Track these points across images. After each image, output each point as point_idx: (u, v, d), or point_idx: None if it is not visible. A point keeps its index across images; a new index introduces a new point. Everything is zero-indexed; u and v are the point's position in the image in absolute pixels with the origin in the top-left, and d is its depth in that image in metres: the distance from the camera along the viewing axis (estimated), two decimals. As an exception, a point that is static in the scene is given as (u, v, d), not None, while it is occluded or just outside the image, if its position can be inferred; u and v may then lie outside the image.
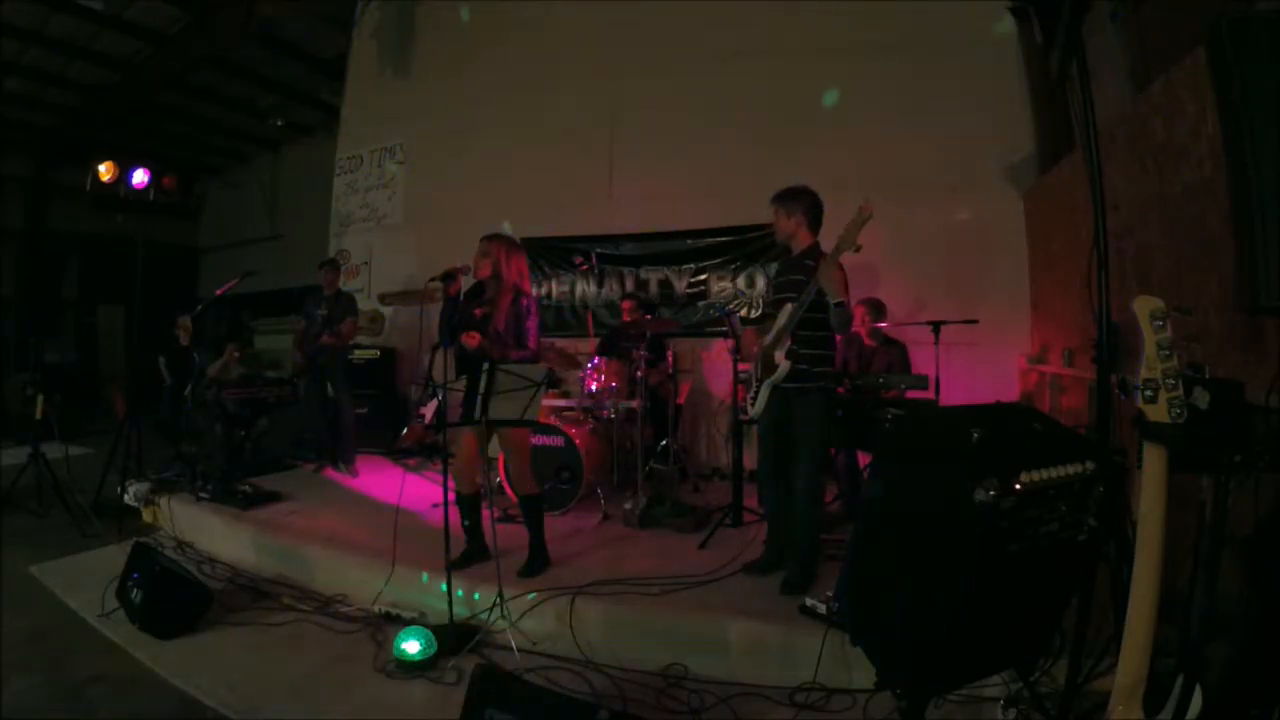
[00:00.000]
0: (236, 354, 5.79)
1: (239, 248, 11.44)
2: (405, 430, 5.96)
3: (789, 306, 2.85)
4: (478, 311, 3.18)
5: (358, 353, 6.23)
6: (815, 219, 2.98)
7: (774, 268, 3.37)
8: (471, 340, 3.06)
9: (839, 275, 2.67)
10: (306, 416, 5.43)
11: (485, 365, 2.82)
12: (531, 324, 3.16)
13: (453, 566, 2.77)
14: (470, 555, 3.18)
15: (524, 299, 3.19)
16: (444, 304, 3.13)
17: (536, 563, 3.15)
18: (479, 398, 2.80)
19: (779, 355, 2.85)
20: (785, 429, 2.93)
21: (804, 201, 2.97)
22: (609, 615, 2.72)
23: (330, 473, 5.19)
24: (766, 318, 3.07)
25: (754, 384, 3.03)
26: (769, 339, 2.93)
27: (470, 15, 6.79)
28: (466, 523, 3.23)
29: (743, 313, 5.11)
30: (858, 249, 2.59)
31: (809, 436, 2.87)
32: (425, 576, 3.07)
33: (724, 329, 4.52)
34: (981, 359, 4.53)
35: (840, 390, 3.89)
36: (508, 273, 3.18)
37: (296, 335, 5.28)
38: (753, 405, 3.01)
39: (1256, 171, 1.52)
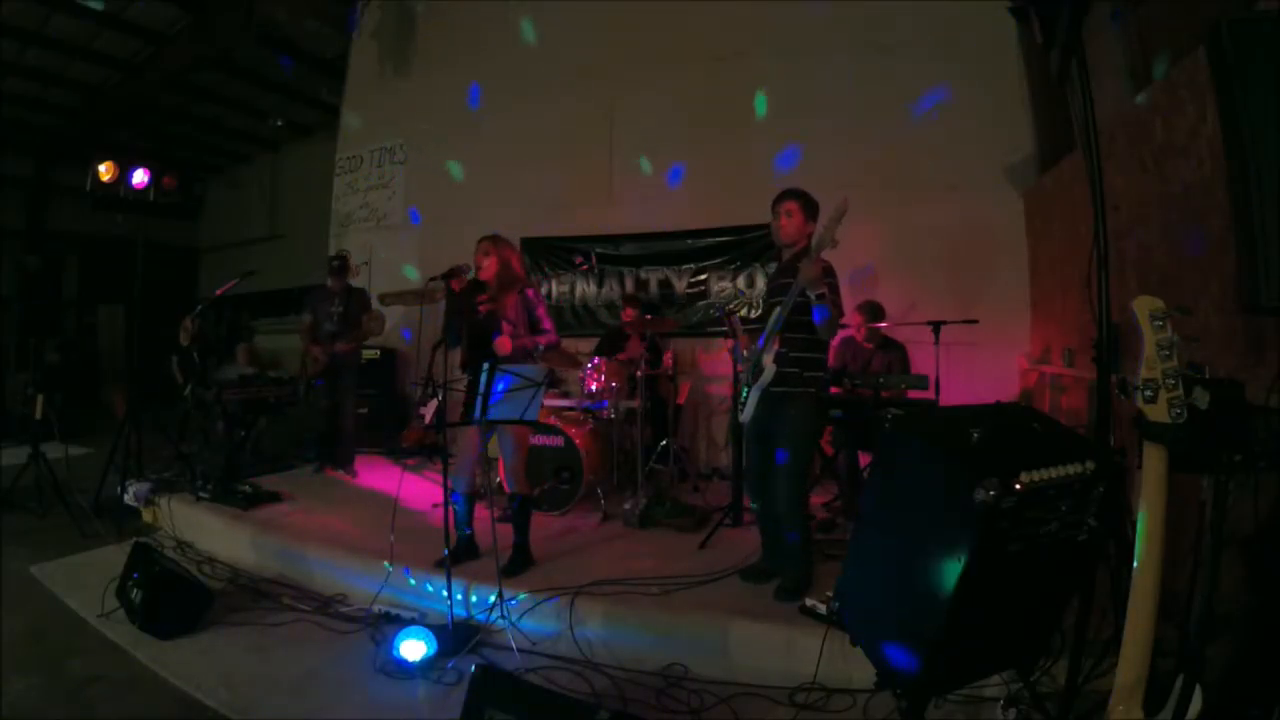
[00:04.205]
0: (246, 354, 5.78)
1: (239, 248, 11.43)
2: (405, 430, 5.96)
3: (777, 309, 2.83)
4: (482, 309, 3.20)
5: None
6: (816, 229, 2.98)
7: (774, 268, 3.35)
8: (504, 347, 3.10)
9: (818, 270, 2.61)
10: (315, 416, 5.39)
11: (485, 365, 2.82)
12: (542, 312, 3.27)
13: (442, 561, 2.80)
14: (461, 552, 3.18)
15: (529, 290, 3.30)
16: (447, 303, 3.14)
17: (519, 562, 3.16)
18: (479, 397, 2.80)
19: (767, 359, 2.82)
20: (772, 433, 2.90)
21: (818, 211, 2.95)
22: (609, 615, 2.72)
23: (330, 473, 5.19)
24: (762, 321, 3.06)
25: (744, 388, 3.01)
26: (759, 343, 2.92)
27: (470, 15, 6.79)
28: (468, 530, 3.26)
29: (742, 313, 5.11)
30: (835, 244, 2.57)
31: (793, 441, 2.83)
32: (427, 580, 3.08)
33: (724, 329, 4.52)
34: (981, 359, 4.53)
35: (835, 391, 3.90)
36: (512, 270, 3.27)
37: (305, 334, 5.17)
38: (742, 410, 2.99)
39: (1256, 171, 1.52)
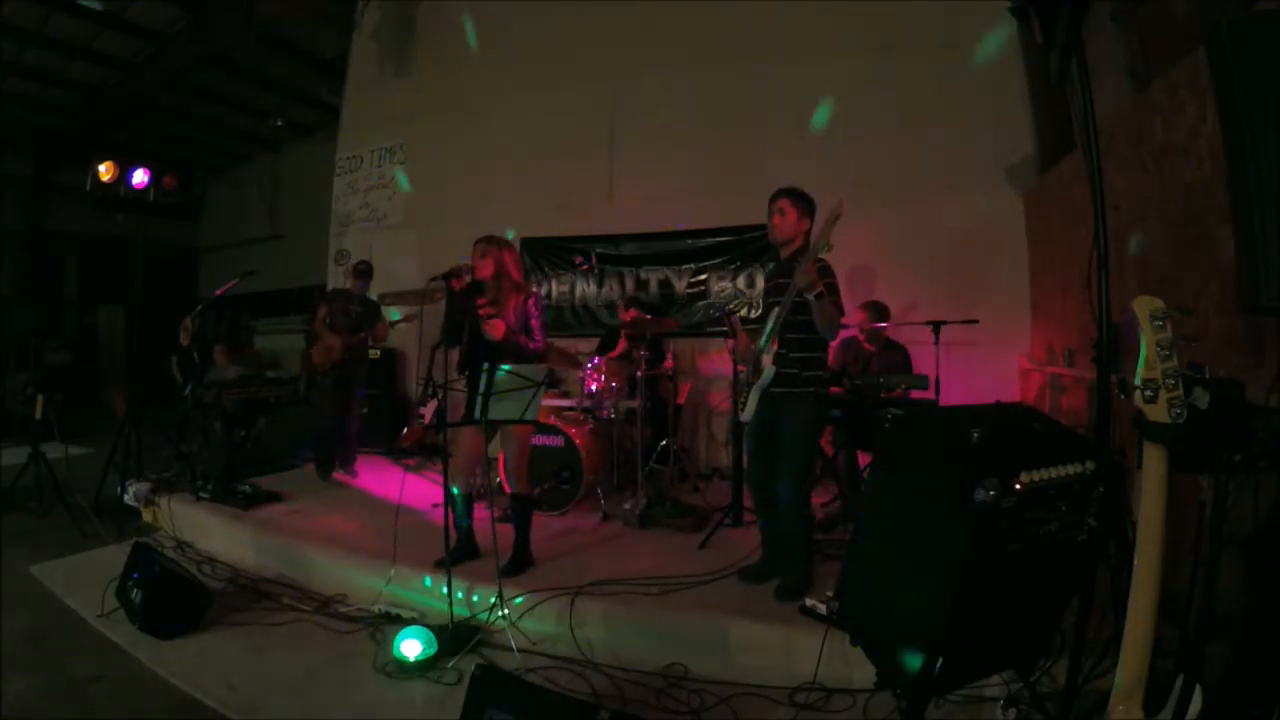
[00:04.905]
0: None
1: (239, 248, 11.45)
2: (405, 430, 5.95)
3: (776, 309, 2.84)
4: (482, 311, 3.19)
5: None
6: (812, 226, 2.99)
7: (772, 267, 3.35)
8: (497, 329, 3.06)
9: (814, 272, 2.61)
10: (315, 415, 5.38)
11: (485, 365, 2.82)
12: (537, 322, 3.24)
13: (442, 562, 2.79)
14: (460, 553, 3.18)
15: (530, 298, 3.26)
16: (448, 303, 3.14)
17: (519, 562, 3.15)
18: (479, 397, 2.80)
19: (766, 359, 2.83)
20: (773, 433, 2.90)
21: (813, 208, 2.96)
22: (609, 615, 2.72)
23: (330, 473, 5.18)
24: (761, 321, 3.06)
25: (745, 388, 3.01)
26: (759, 342, 2.92)
27: (470, 16, 6.79)
28: (464, 524, 3.25)
29: (742, 313, 5.11)
30: (830, 248, 2.58)
31: (794, 441, 2.84)
32: (427, 579, 3.08)
33: (724, 329, 4.52)
34: (981, 359, 4.53)
35: (835, 391, 3.89)
36: (510, 271, 3.25)
37: (319, 323, 5.07)
38: (743, 409, 2.99)
39: (1256, 171, 1.52)
